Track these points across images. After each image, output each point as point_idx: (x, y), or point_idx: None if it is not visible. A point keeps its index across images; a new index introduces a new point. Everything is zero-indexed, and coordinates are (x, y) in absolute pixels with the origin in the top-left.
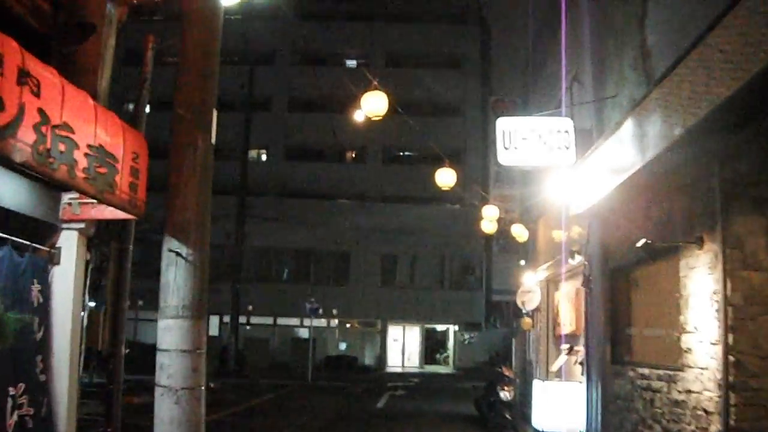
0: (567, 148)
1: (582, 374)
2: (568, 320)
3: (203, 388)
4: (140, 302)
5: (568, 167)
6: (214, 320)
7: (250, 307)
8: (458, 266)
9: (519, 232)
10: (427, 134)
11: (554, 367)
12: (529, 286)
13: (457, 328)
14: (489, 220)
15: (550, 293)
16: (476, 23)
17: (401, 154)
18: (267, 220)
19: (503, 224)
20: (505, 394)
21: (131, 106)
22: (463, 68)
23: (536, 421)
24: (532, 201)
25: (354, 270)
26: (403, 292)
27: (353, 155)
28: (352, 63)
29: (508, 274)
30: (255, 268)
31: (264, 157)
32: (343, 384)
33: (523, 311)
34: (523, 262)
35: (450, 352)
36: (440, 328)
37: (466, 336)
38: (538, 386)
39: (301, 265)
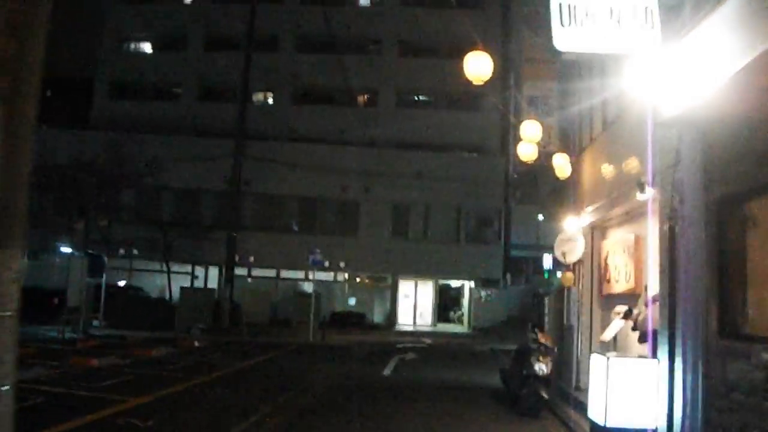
0: (650, 26)
1: (643, 345)
2: (622, 275)
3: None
4: (135, 251)
5: (649, 53)
6: (213, 272)
7: (252, 259)
8: (475, 218)
9: (561, 165)
10: (443, 77)
11: (606, 336)
12: (571, 234)
13: (473, 284)
14: (529, 140)
15: (596, 243)
16: None
17: (415, 97)
18: (271, 165)
19: (540, 158)
20: (541, 367)
21: None
22: (483, 9)
23: (595, 412)
24: (576, 126)
25: (363, 220)
26: (415, 244)
27: (365, 99)
28: (365, 2)
29: (527, 227)
30: (258, 216)
31: (270, 100)
32: (347, 344)
33: (563, 263)
34: (541, 217)
35: (465, 310)
36: (455, 284)
37: (483, 293)
38: (597, 363)
39: (307, 214)
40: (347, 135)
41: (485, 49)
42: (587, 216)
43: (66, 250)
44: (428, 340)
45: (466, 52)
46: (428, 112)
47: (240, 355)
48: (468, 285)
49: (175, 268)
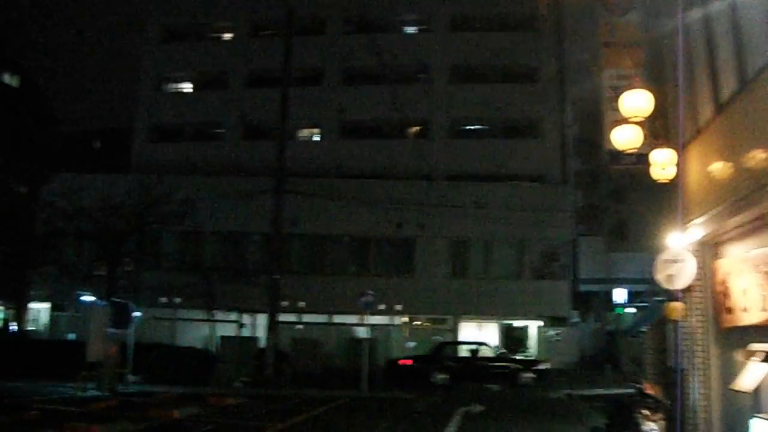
0: None
1: None
2: (755, 302)
3: None
4: (177, 299)
5: None
6: (262, 319)
7: (302, 304)
8: (539, 252)
9: (665, 161)
10: (498, 103)
11: (743, 384)
12: (677, 252)
13: (540, 323)
14: (634, 116)
15: (707, 262)
16: None
17: (470, 127)
18: (319, 204)
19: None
20: (652, 429)
21: None
22: (537, 28)
23: None
24: (675, 115)
25: (419, 259)
26: (476, 283)
27: (416, 130)
28: (411, 29)
29: (595, 260)
30: (307, 258)
31: (316, 136)
32: (405, 395)
33: (667, 291)
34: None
35: (532, 351)
36: (520, 323)
37: (551, 332)
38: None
39: (359, 254)
40: (399, 169)
41: (540, 71)
42: (697, 229)
43: (89, 298)
44: (495, 387)
45: (521, 76)
46: (484, 141)
47: (278, 415)
48: (534, 324)
49: (220, 316)
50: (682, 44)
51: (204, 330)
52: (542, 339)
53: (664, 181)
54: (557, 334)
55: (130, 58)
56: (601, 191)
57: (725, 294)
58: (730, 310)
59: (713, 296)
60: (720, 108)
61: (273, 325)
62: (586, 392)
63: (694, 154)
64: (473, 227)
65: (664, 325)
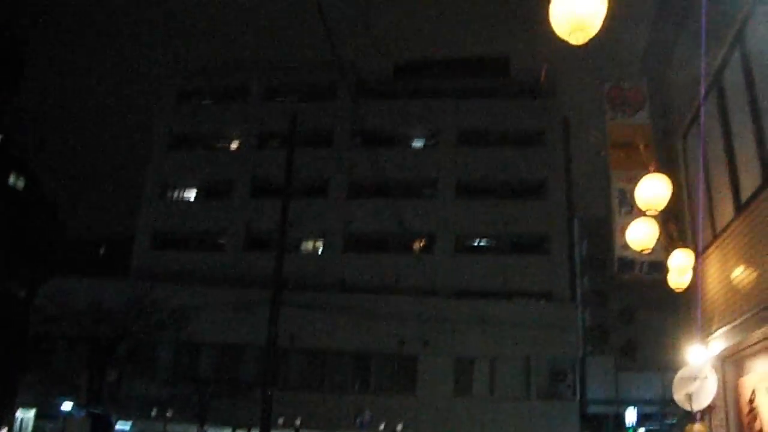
0: None
1: None
2: None
3: None
4: (168, 412)
5: None
6: None
7: (298, 421)
8: (546, 372)
9: (682, 266)
10: (505, 219)
11: None
12: (697, 369)
13: None
14: (650, 208)
15: (729, 379)
16: (554, 96)
17: (476, 242)
18: (320, 318)
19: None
20: None
21: None
22: (544, 143)
23: None
24: (692, 218)
25: (422, 377)
26: (480, 403)
27: (420, 244)
28: (418, 143)
29: (604, 380)
30: (306, 373)
31: (319, 249)
32: None
33: (686, 411)
34: (619, 371)
35: None
36: None
37: None
38: None
39: (360, 371)
40: (402, 284)
41: (548, 186)
42: (718, 342)
43: (68, 408)
44: None
45: (528, 191)
46: (490, 256)
47: None
48: None
49: (214, 431)
50: (697, 137)
51: None
52: None
53: (680, 289)
54: None
55: (137, 166)
56: (609, 310)
57: (753, 415)
58: None
59: (738, 418)
60: (741, 207)
61: None
62: None
63: (713, 259)
64: (478, 345)
65: None
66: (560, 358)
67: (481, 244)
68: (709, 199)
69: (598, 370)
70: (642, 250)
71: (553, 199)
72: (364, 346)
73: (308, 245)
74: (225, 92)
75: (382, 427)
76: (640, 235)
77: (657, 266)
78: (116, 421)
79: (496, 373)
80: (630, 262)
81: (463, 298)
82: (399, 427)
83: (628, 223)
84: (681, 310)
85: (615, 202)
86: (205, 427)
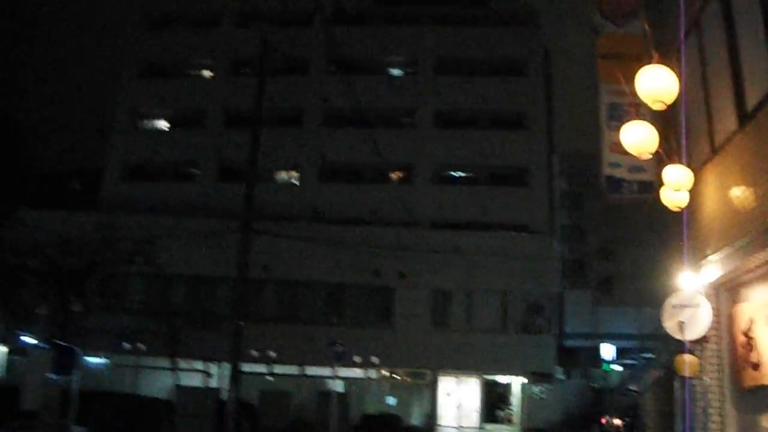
0: None
1: None
2: None
3: None
4: (142, 346)
5: None
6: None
7: (272, 354)
8: (524, 305)
9: (679, 180)
10: (484, 150)
11: None
12: (689, 296)
13: (523, 379)
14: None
15: (724, 308)
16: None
17: (455, 173)
18: (295, 249)
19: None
20: None
21: None
22: (525, 74)
23: None
24: (688, 132)
25: (398, 309)
26: (457, 336)
27: (398, 175)
28: (396, 71)
29: (582, 314)
30: (280, 306)
31: (294, 179)
32: None
33: (673, 342)
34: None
35: (515, 408)
36: (503, 379)
37: (536, 389)
38: None
39: (335, 303)
40: (379, 215)
41: (529, 117)
42: (714, 267)
43: (31, 340)
44: None
45: (508, 122)
46: (468, 188)
47: None
48: (518, 380)
49: (187, 365)
50: (697, 46)
51: (169, 380)
52: (526, 396)
53: (675, 208)
54: (541, 391)
55: (108, 95)
56: (587, 246)
57: (749, 346)
58: (755, 366)
59: (732, 348)
60: (745, 117)
61: (236, 376)
62: None
63: (711, 176)
64: (455, 277)
65: (668, 383)
66: (538, 292)
67: (460, 175)
68: (708, 112)
69: (576, 304)
70: (640, 155)
71: (534, 132)
72: (340, 278)
73: (283, 176)
74: (197, 19)
75: (357, 359)
76: (639, 138)
77: (648, 186)
78: (86, 355)
79: (473, 305)
80: (619, 181)
81: (440, 230)
82: (374, 359)
83: (618, 140)
84: (673, 233)
85: (604, 116)
86: (177, 360)
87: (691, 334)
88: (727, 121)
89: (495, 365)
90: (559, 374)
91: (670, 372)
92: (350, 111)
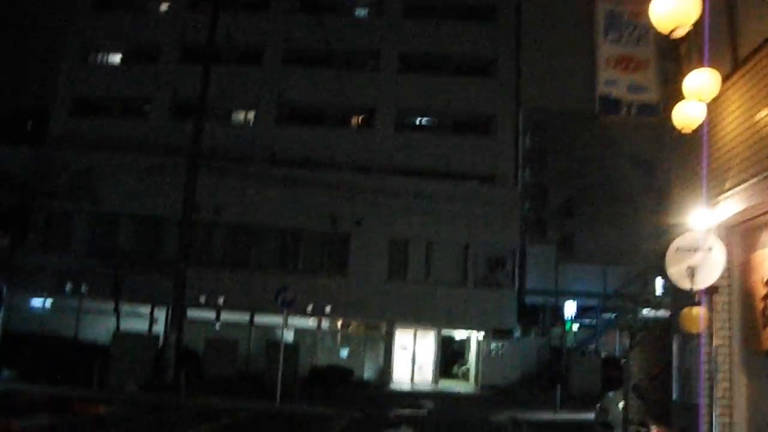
0: None
1: None
2: None
3: None
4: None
5: None
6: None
7: (221, 300)
8: (485, 258)
9: (702, 88)
10: (450, 96)
11: None
12: (701, 238)
13: (481, 335)
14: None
15: (736, 254)
16: None
17: (418, 119)
18: (248, 192)
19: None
20: None
21: None
22: (495, 20)
23: None
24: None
25: (354, 258)
26: (415, 287)
27: (359, 119)
28: (361, 11)
29: (544, 270)
30: (231, 250)
31: (252, 119)
32: (323, 410)
33: (687, 289)
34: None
35: (471, 365)
36: (460, 334)
37: (493, 346)
38: None
39: (288, 249)
40: (338, 159)
41: (496, 64)
42: (728, 204)
43: None
44: (429, 404)
45: (475, 69)
46: (431, 135)
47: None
48: (475, 336)
49: (131, 309)
50: None
51: (113, 324)
52: (483, 352)
53: (687, 130)
54: (499, 348)
55: (59, 27)
56: (548, 204)
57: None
58: None
59: (747, 301)
60: None
61: (176, 321)
62: (534, 417)
63: (732, 95)
64: (414, 226)
65: (657, 343)
66: (500, 245)
67: (424, 121)
68: (731, 14)
69: (538, 260)
70: (674, 30)
71: (501, 80)
72: (295, 224)
73: (240, 115)
74: None
75: (309, 308)
76: (674, 5)
77: (650, 108)
78: (29, 296)
79: (433, 257)
80: (615, 102)
81: (401, 176)
82: (327, 309)
83: (616, 54)
84: (680, 164)
85: (601, 26)
86: (121, 304)
87: (702, 281)
88: (757, 25)
89: (453, 319)
90: (517, 331)
91: (659, 330)
92: (312, 51)
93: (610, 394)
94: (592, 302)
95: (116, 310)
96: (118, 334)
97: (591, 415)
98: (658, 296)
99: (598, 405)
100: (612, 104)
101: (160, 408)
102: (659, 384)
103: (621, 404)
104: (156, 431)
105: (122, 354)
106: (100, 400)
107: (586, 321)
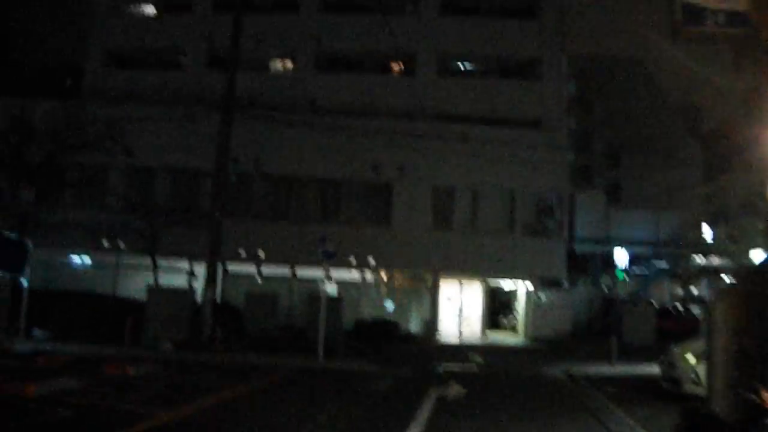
0: None
1: None
2: None
3: None
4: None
5: None
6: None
7: (261, 253)
8: (533, 206)
9: None
10: (494, 39)
11: None
12: None
13: (529, 285)
14: None
15: None
16: None
17: (461, 64)
18: (288, 143)
19: None
20: None
21: None
22: None
23: None
24: None
25: (398, 207)
26: (460, 237)
27: (400, 65)
28: None
29: (594, 218)
30: (271, 202)
31: (289, 68)
32: (368, 367)
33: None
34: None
35: (520, 316)
36: (508, 285)
37: (543, 296)
38: None
39: (330, 199)
40: (379, 107)
41: (542, 7)
42: None
43: None
44: (478, 359)
45: (518, 10)
46: (475, 80)
47: (180, 394)
48: (524, 286)
49: (170, 264)
50: None
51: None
52: (532, 303)
53: None
54: (549, 298)
55: None
56: (594, 152)
57: None
58: None
59: None
60: None
61: (212, 275)
62: (591, 371)
63: None
64: (459, 174)
65: (755, 294)
66: (548, 192)
67: (467, 66)
68: None
69: (587, 207)
70: None
71: (546, 22)
72: (336, 173)
73: (277, 64)
74: None
75: (353, 260)
76: None
77: (738, 20)
78: (70, 253)
79: (479, 205)
80: (702, 11)
81: (445, 124)
82: (371, 260)
83: None
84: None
85: None
86: (160, 259)
87: None
88: None
89: (500, 269)
90: (566, 282)
91: (752, 279)
92: None
93: (676, 347)
94: (642, 251)
95: (154, 265)
96: (153, 290)
97: (652, 369)
98: (709, 243)
99: (664, 359)
100: (697, 14)
101: (195, 368)
102: (751, 342)
103: (692, 359)
104: (185, 394)
105: (157, 311)
106: (132, 359)
107: (636, 270)
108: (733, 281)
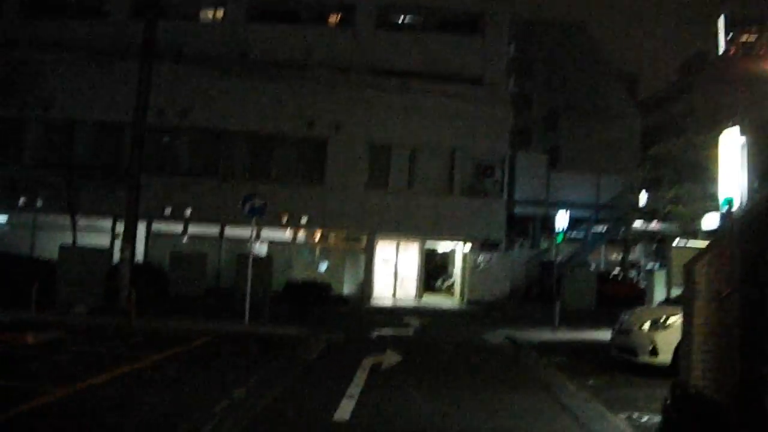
0: None
1: None
2: None
3: None
4: (38, 202)
5: None
6: (140, 228)
7: (188, 212)
8: (472, 166)
9: None
10: None
11: None
12: None
13: (468, 247)
14: None
15: None
16: None
17: (401, 16)
18: (217, 95)
19: None
20: None
21: None
22: None
23: None
24: None
25: (332, 165)
26: (397, 196)
27: (337, 16)
28: None
29: (535, 180)
30: (198, 158)
31: (221, 16)
32: (297, 331)
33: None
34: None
35: (457, 279)
36: (444, 246)
37: (481, 258)
38: None
39: (261, 156)
40: (315, 59)
41: None
42: None
43: None
44: (414, 322)
45: None
46: (417, 33)
47: (84, 366)
48: (461, 248)
49: (91, 223)
50: None
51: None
52: (469, 265)
53: None
54: (487, 261)
55: None
56: (533, 115)
57: None
58: None
59: None
60: None
61: (132, 233)
62: (534, 337)
63: None
64: (397, 132)
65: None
66: (488, 152)
67: (407, 19)
68: None
69: (528, 169)
70: None
71: None
72: (268, 128)
73: (209, 13)
74: None
75: (284, 219)
76: None
77: None
78: None
79: (416, 163)
80: None
81: (383, 79)
82: (303, 219)
83: None
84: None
85: None
86: (80, 218)
87: None
88: None
89: (438, 230)
90: (504, 244)
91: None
92: None
93: (627, 315)
94: (583, 214)
95: (73, 224)
96: (66, 249)
97: (596, 335)
98: (653, 208)
99: (618, 326)
100: None
101: (107, 334)
102: (730, 303)
103: (646, 325)
104: (87, 365)
105: (71, 271)
106: (39, 325)
107: (574, 234)
108: (715, 238)
